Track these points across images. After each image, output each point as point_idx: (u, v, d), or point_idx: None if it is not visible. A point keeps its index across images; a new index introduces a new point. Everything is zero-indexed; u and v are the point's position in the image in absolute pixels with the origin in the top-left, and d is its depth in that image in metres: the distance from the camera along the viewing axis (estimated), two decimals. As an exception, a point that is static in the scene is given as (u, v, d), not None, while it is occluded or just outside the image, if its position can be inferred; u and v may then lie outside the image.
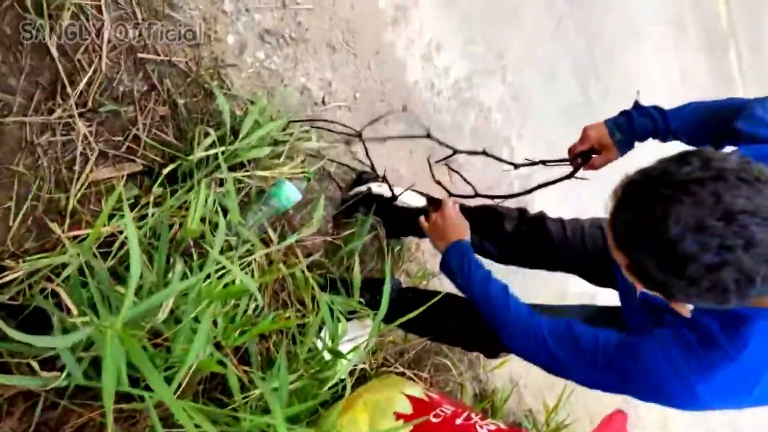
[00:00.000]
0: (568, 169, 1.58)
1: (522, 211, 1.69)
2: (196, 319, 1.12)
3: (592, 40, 3.25)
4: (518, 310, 1.25)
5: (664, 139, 1.39)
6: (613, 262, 1.02)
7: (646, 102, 1.43)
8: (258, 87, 1.61)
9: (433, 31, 2.19)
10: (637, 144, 1.43)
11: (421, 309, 1.37)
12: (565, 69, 3.03)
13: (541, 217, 1.62)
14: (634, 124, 1.38)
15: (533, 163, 1.73)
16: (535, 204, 2.76)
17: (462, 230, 1.48)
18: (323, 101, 1.80)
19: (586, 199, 2.54)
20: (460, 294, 1.47)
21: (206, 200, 1.23)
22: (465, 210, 1.74)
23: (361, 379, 1.80)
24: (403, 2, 2.07)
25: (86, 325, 0.93)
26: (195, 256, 1.28)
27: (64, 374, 1.00)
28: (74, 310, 1.04)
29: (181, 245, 1.27)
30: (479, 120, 2.46)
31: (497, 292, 1.29)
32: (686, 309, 0.98)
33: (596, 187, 1.47)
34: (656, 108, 1.39)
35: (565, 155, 1.56)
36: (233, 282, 1.22)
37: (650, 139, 1.41)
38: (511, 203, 1.86)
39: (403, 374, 1.92)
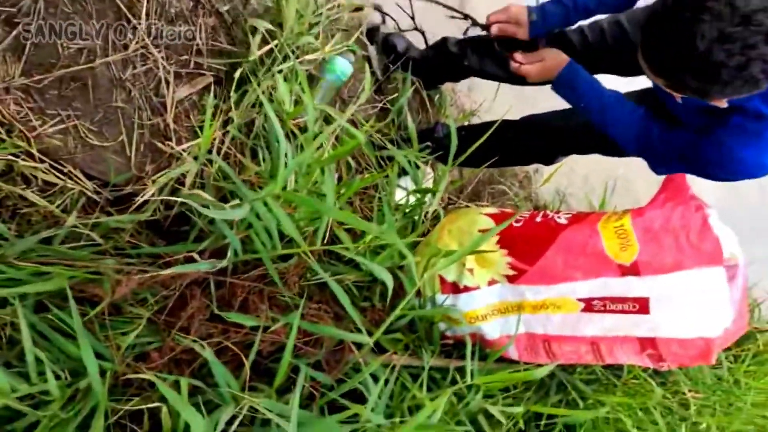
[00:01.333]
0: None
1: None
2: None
3: None
4: (632, 115, 1.43)
5: (582, 18, 1.56)
6: None
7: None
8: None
9: None
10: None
11: (483, 139, 1.56)
12: None
13: (562, 32, 1.73)
14: (547, 10, 1.57)
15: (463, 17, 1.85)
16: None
17: (560, 54, 1.58)
18: (338, -25, 1.88)
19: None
20: (509, 118, 1.66)
21: (288, 90, 1.39)
22: (486, 41, 1.87)
23: (434, 220, 2.04)
24: None
25: (239, 207, 1.14)
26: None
27: (229, 253, 1.23)
28: (213, 200, 1.25)
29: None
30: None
31: (612, 104, 1.47)
32: (723, 101, 1.14)
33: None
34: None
35: None
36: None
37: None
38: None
39: (467, 207, 2.16)
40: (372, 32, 2.01)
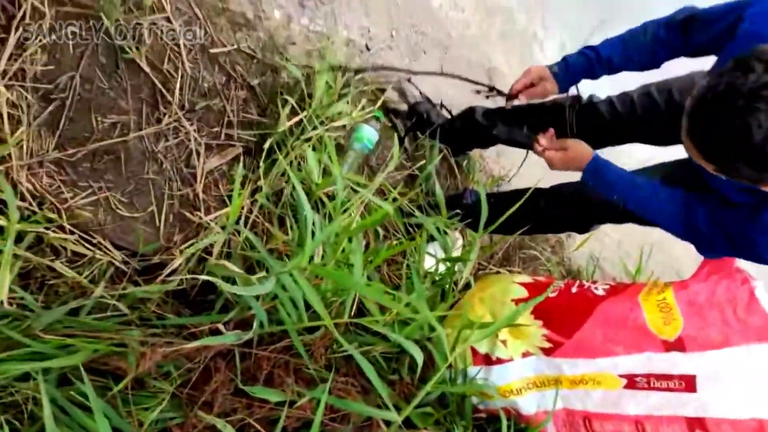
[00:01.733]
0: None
1: (575, 100, 1.77)
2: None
3: None
4: (673, 204, 1.37)
5: (605, 72, 1.52)
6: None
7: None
8: (311, 51, 1.75)
9: (442, -49, 2.26)
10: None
11: (515, 208, 1.53)
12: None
13: (591, 102, 1.71)
14: (569, 60, 1.55)
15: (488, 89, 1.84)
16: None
17: (585, 147, 1.52)
18: (367, 47, 1.92)
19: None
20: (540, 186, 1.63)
21: (317, 160, 1.39)
22: (518, 110, 1.87)
23: (465, 288, 1.99)
24: (409, -68, 2.13)
25: (265, 279, 1.12)
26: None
27: (255, 325, 1.20)
28: (240, 272, 1.24)
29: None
30: (505, 24, 2.53)
31: (649, 195, 1.41)
32: None
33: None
34: (589, 47, 1.54)
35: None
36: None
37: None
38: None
39: (498, 273, 2.11)
40: (400, 101, 2.03)
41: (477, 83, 1.67)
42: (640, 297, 1.30)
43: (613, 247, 2.74)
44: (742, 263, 1.32)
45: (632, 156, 2.47)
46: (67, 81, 1.26)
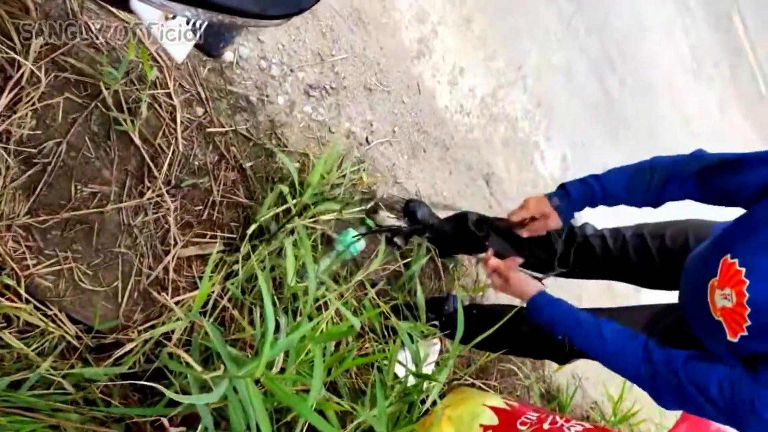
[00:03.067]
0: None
1: (568, 228, 1.73)
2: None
3: (602, 34, 3.33)
4: (620, 340, 1.27)
5: (606, 204, 1.46)
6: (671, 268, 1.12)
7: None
8: (310, 139, 1.74)
9: (454, 56, 2.31)
10: (577, 214, 1.53)
11: (494, 328, 1.47)
12: (580, 67, 3.12)
13: (584, 235, 1.67)
14: (570, 191, 1.47)
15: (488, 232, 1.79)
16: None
17: (529, 285, 1.45)
18: (367, 141, 1.93)
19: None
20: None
21: (294, 257, 1.35)
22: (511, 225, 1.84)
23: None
24: (424, 35, 2.19)
25: (219, 379, 1.06)
26: (284, 304, 1.41)
27: (200, 429, 1.12)
28: (197, 367, 1.17)
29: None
30: (508, 131, 2.56)
31: (599, 334, 1.30)
32: None
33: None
34: (593, 176, 1.47)
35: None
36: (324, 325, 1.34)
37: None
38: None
39: (473, 385, 2.02)
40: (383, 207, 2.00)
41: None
42: (613, 450, 1.23)
43: (597, 368, 2.64)
44: (723, 426, 1.25)
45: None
46: (53, 147, 1.23)
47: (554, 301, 1.39)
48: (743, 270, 1.09)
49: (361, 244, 1.64)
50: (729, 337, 1.08)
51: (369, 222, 1.76)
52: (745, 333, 1.05)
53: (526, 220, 1.50)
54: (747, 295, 1.04)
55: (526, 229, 1.51)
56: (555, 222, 1.48)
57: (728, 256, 1.17)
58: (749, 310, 1.03)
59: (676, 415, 1.64)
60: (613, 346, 1.25)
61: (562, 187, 1.49)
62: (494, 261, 1.51)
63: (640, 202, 1.45)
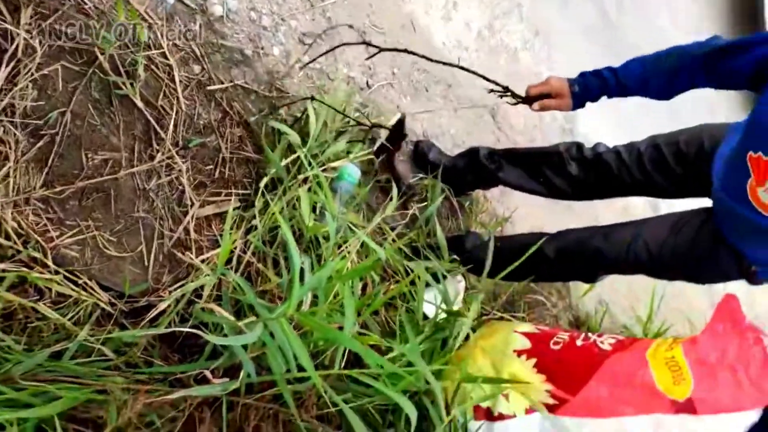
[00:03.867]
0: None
1: (579, 149, 1.73)
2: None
3: (594, -46, 3.23)
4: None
5: (620, 95, 1.50)
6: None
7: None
8: (310, 87, 1.72)
9: (447, -10, 2.25)
10: (589, 105, 1.57)
11: (522, 258, 1.47)
12: (576, -9, 3.04)
13: (597, 153, 1.64)
14: (587, 79, 1.51)
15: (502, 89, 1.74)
16: (579, 125, 2.82)
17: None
18: (368, 85, 1.90)
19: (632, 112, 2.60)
20: (548, 232, 1.58)
21: (310, 202, 1.35)
22: (519, 155, 1.83)
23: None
24: (413, -29, 2.13)
25: (254, 325, 1.07)
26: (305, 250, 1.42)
27: (242, 375, 1.14)
28: (230, 317, 1.18)
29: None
30: (509, 63, 2.51)
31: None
32: None
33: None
34: (608, 68, 1.49)
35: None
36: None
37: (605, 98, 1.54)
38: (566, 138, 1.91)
39: (501, 318, 2.04)
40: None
41: (490, 80, 1.58)
42: (648, 354, 1.24)
43: (624, 291, 2.67)
44: (754, 320, 1.25)
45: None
46: (58, 117, 1.22)
47: (586, 76, 1.50)
48: None
49: (358, 172, 1.61)
50: None
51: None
52: None
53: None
54: None
55: (539, 103, 1.54)
56: (567, 104, 1.54)
57: (751, 152, 1.16)
58: None
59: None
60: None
61: (582, 75, 1.53)
62: (537, 104, 1.56)
63: (654, 93, 1.45)
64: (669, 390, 1.17)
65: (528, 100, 1.58)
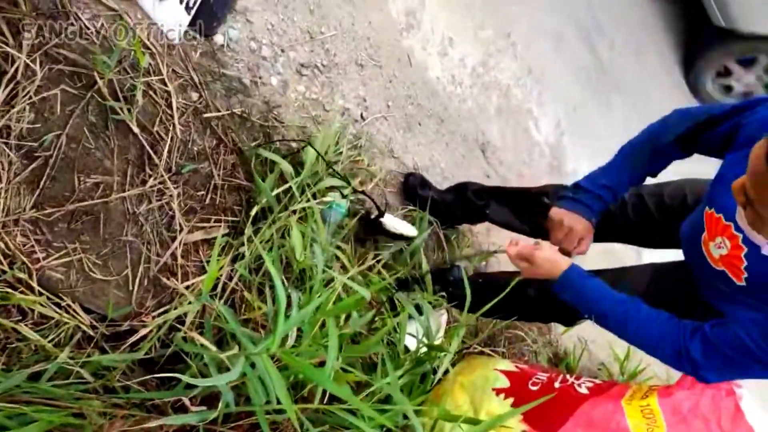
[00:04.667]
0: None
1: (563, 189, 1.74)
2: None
3: (589, -2, 3.32)
4: (659, 320, 1.25)
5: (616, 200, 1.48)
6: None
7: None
8: (305, 118, 1.75)
9: (443, 27, 2.30)
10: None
11: (501, 295, 1.49)
12: (570, 32, 3.11)
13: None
14: (596, 210, 1.45)
15: None
16: (567, 162, 2.87)
17: (557, 261, 1.41)
18: (362, 117, 1.93)
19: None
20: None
21: (301, 234, 1.36)
22: (507, 193, 1.86)
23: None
24: (411, 7, 2.18)
25: (236, 358, 1.08)
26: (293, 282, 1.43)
27: (221, 405, 1.15)
28: (212, 347, 1.19)
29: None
30: (501, 99, 2.56)
31: (631, 313, 1.28)
32: None
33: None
34: (603, 187, 1.44)
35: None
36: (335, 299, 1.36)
37: None
38: (549, 179, 1.94)
39: (481, 353, 2.06)
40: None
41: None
42: (624, 401, 1.26)
43: (602, 330, 2.69)
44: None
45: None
46: (53, 139, 1.24)
47: (585, 277, 1.37)
48: (721, 216, 1.11)
49: (345, 203, 1.63)
50: (737, 282, 1.10)
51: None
52: (746, 274, 1.07)
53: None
54: (739, 235, 1.07)
55: (577, 252, 1.47)
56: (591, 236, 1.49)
57: (706, 208, 1.20)
58: (746, 249, 1.05)
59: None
60: (655, 328, 1.23)
61: (589, 208, 1.46)
62: (513, 249, 1.48)
63: (639, 181, 1.47)
64: (643, 438, 1.19)
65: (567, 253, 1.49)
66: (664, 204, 1.47)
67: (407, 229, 1.83)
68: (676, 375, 1.56)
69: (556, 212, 1.45)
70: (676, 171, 1.48)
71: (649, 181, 1.55)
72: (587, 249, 1.47)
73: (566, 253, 1.45)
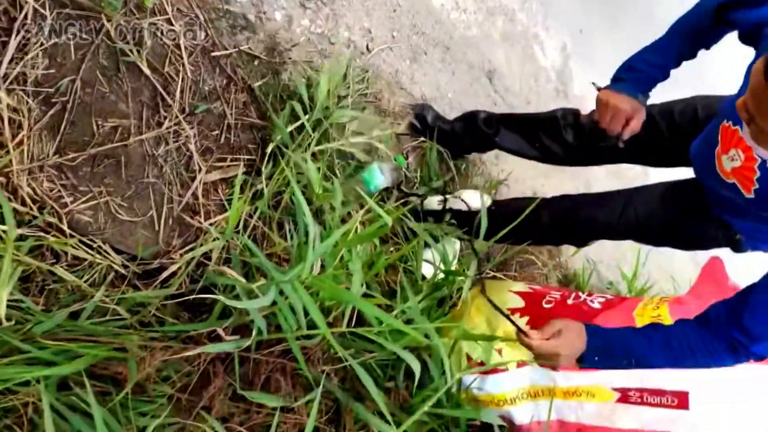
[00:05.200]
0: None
1: (575, 116, 1.72)
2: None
3: None
4: (682, 349, 1.16)
5: (665, 76, 1.46)
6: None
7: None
8: (311, 52, 1.74)
9: (445, -50, 2.24)
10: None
11: (517, 221, 1.53)
12: (574, -50, 3.01)
13: (592, 121, 1.57)
14: (641, 84, 1.44)
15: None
16: (573, 87, 2.85)
17: (575, 340, 1.22)
18: (368, 48, 1.92)
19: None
20: (542, 196, 1.64)
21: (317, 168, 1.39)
22: (516, 120, 1.87)
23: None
24: (412, -69, 2.11)
25: (266, 287, 1.13)
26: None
27: (254, 333, 1.21)
28: (241, 279, 1.25)
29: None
30: (506, 24, 2.52)
31: (653, 352, 1.17)
32: None
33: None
34: (633, 65, 1.44)
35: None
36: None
37: None
38: (555, 104, 1.94)
39: (495, 277, 2.12)
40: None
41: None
42: (635, 312, 1.32)
43: (610, 249, 2.75)
44: (738, 280, 1.33)
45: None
46: (68, 85, 1.25)
47: (604, 333, 1.24)
48: (738, 128, 1.12)
49: (383, 184, 1.67)
50: (746, 195, 1.13)
51: (401, 162, 1.78)
52: (756, 185, 1.10)
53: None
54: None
55: (627, 132, 1.45)
56: (644, 112, 1.46)
57: (723, 121, 1.21)
58: (759, 160, 1.08)
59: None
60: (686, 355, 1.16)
61: (635, 84, 1.44)
62: (533, 336, 1.24)
63: (689, 56, 1.45)
64: (654, 346, 1.26)
65: (618, 138, 1.48)
66: (674, 122, 1.48)
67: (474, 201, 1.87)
68: (682, 287, 1.61)
69: (602, 94, 1.45)
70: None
71: (658, 99, 1.55)
72: (638, 127, 1.44)
73: (616, 135, 1.43)
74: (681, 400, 1.22)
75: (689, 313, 1.25)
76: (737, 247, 1.38)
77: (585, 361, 1.20)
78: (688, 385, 1.23)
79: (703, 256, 1.65)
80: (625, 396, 1.29)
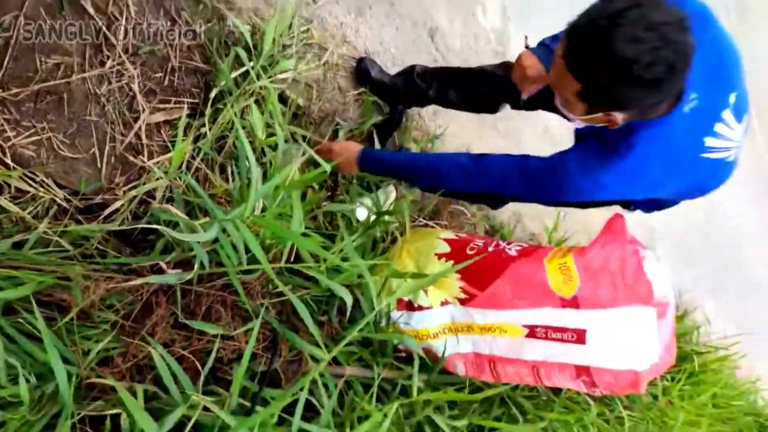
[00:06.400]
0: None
1: (506, 68, 1.77)
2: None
3: None
4: (447, 159, 1.58)
5: None
6: None
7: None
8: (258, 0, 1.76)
9: None
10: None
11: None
12: None
13: None
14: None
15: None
16: (511, 48, 2.96)
17: (349, 146, 1.68)
18: (314, 0, 1.95)
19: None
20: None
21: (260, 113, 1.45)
22: (449, 74, 1.96)
23: (394, 236, 2.13)
24: None
25: (208, 225, 1.21)
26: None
27: (196, 266, 1.29)
28: (184, 216, 1.31)
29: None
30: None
31: (421, 162, 1.63)
32: (619, 119, 1.21)
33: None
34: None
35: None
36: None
37: None
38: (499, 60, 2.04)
39: (426, 225, 2.26)
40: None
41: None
42: (546, 260, 1.47)
43: (536, 206, 2.94)
44: (636, 234, 1.51)
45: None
46: (11, 21, 1.25)
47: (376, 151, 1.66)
48: None
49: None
50: None
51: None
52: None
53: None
54: None
55: (526, 93, 1.59)
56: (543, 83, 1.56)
57: None
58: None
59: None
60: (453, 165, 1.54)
61: (544, 46, 1.53)
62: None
63: None
64: (559, 289, 1.43)
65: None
66: None
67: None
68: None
69: (523, 52, 1.55)
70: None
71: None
72: (533, 92, 1.58)
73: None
74: (579, 336, 1.40)
75: (591, 261, 1.42)
76: (628, 207, 1.59)
77: (361, 164, 1.63)
78: (586, 324, 1.40)
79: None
80: (532, 332, 1.46)
